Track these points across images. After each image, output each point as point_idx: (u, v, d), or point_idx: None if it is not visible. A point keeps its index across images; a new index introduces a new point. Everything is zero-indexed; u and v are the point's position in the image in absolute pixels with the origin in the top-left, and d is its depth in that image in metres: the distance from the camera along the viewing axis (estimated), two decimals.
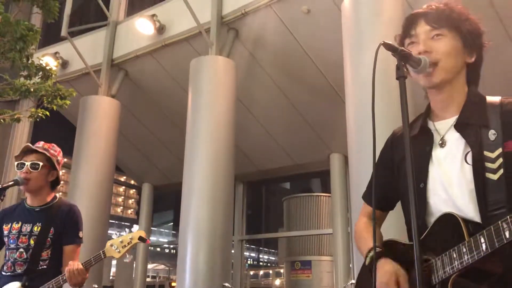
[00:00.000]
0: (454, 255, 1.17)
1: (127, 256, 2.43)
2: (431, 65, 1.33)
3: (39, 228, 2.46)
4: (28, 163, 2.45)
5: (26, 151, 2.51)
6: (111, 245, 2.33)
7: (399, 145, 1.46)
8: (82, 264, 2.32)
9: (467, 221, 1.20)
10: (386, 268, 1.33)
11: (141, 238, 2.31)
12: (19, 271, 2.43)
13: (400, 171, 1.45)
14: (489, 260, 1.11)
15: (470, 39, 1.38)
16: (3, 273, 2.47)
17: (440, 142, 1.37)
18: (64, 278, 2.31)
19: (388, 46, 1.22)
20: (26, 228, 2.48)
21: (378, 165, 1.54)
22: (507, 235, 1.02)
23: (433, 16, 1.39)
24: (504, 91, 1.45)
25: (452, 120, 1.36)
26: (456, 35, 1.37)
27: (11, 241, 2.48)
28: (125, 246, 2.31)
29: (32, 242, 2.45)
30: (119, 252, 2.31)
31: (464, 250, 1.14)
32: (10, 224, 2.51)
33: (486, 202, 1.23)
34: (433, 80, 1.36)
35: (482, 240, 1.09)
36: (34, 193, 2.54)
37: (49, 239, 2.48)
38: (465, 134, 1.32)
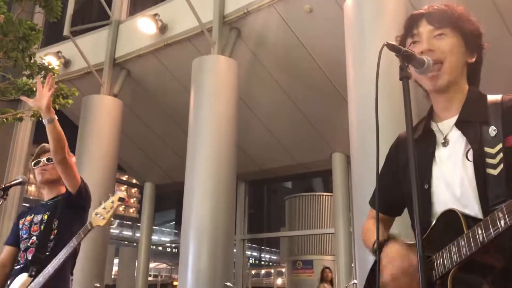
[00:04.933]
0: (454, 249, 1.16)
1: (112, 221, 2.41)
2: (434, 64, 1.33)
3: (47, 215, 2.54)
4: (44, 159, 2.65)
5: (42, 152, 2.70)
6: (96, 214, 2.31)
7: (404, 148, 1.46)
8: None
9: (467, 217, 1.19)
10: (393, 248, 1.29)
11: (120, 199, 2.30)
12: (30, 257, 2.45)
13: (405, 174, 1.45)
14: (489, 253, 1.11)
15: (472, 39, 1.40)
16: (15, 267, 2.50)
17: (443, 141, 1.37)
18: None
19: (391, 47, 1.22)
20: (37, 218, 2.57)
21: (384, 170, 1.55)
22: (502, 224, 1.01)
23: (435, 16, 1.40)
24: (506, 90, 1.45)
25: (454, 119, 1.37)
26: (458, 35, 1.39)
27: (24, 232, 2.56)
28: (108, 211, 2.29)
29: (42, 228, 2.52)
30: (103, 219, 2.28)
31: (463, 243, 1.13)
32: (24, 218, 2.63)
33: (487, 197, 1.23)
34: (440, 83, 1.36)
35: (480, 231, 1.08)
36: (50, 186, 2.67)
37: (55, 221, 2.52)
38: (465, 132, 1.32)
